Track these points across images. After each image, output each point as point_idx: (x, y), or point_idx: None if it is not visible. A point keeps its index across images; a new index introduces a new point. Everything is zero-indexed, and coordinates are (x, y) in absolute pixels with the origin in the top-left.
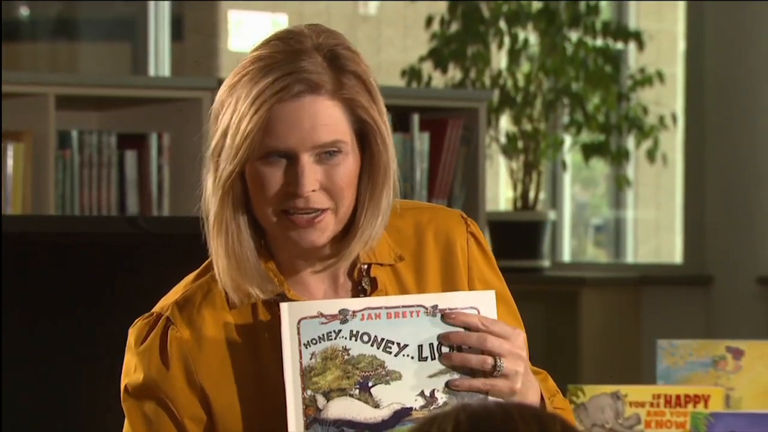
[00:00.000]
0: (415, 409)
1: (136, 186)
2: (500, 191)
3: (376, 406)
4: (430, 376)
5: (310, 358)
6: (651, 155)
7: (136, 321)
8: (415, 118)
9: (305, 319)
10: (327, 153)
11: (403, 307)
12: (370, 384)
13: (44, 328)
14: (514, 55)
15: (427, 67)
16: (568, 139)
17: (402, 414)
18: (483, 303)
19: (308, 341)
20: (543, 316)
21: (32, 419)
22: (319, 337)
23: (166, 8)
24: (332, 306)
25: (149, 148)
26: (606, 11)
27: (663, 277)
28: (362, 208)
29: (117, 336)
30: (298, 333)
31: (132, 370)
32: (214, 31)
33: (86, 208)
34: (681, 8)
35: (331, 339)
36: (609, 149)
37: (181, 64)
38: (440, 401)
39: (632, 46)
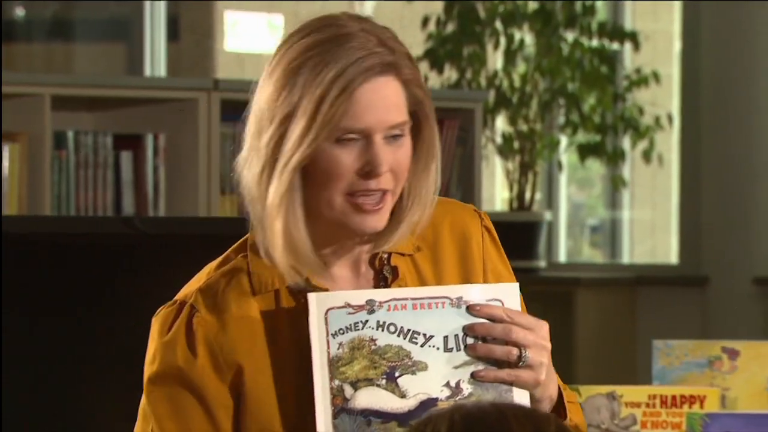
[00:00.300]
0: (441, 399)
1: (132, 187)
2: (496, 192)
3: (403, 396)
4: (456, 367)
5: (338, 348)
6: (647, 156)
7: (159, 310)
8: None
9: (333, 309)
10: (393, 135)
11: (429, 298)
12: (396, 374)
13: (41, 329)
14: (510, 56)
15: (423, 68)
16: (564, 140)
17: (428, 404)
18: (507, 295)
19: (336, 331)
20: (539, 317)
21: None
22: (347, 327)
23: (161, 8)
24: (359, 296)
25: (145, 148)
26: (602, 12)
27: (659, 277)
28: (407, 192)
29: (113, 336)
30: (326, 323)
31: (157, 360)
32: (210, 32)
33: (82, 209)
34: (677, 8)
35: (358, 329)
36: (605, 150)
37: (176, 64)
38: (465, 392)
39: (628, 46)
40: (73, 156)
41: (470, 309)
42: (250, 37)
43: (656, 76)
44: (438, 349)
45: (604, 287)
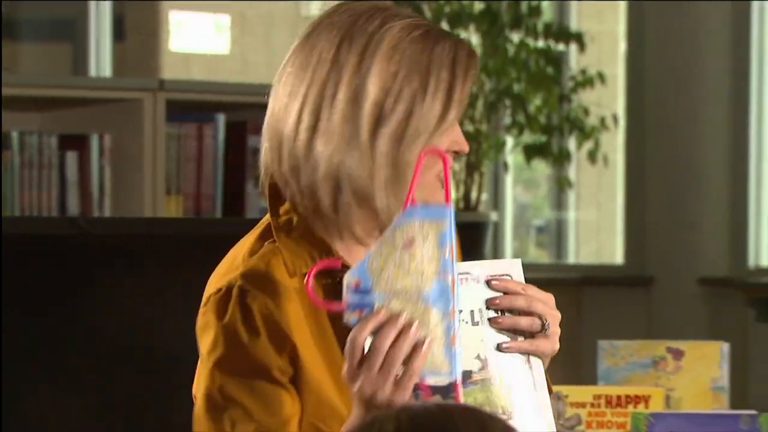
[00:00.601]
0: (474, 371)
1: (77, 187)
2: None
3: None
4: (483, 340)
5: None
6: (592, 156)
7: (205, 301)
8: None
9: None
10: None
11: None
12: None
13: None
14: None
15: None
16: (509, 141)
17: (464, 377)
18: (514, 269)
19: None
20: None
21: None
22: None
23: (106, 8)
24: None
25: (90, 149)
26: (547, 12)
27: (604, 277)
28: None
29: (51, 336)
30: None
31: (220, 344)
32: (155, 32)
33: (27, 209)
34: (622, 9)
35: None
36: (550, 150)
37: (122, 64)
38: (491, 363)
39: (574, 47)
40: (18, 156)
41: (490, 284)
42: (195, 37)
43: (601, 77)
44: (467, 323)
45: (549, 287)
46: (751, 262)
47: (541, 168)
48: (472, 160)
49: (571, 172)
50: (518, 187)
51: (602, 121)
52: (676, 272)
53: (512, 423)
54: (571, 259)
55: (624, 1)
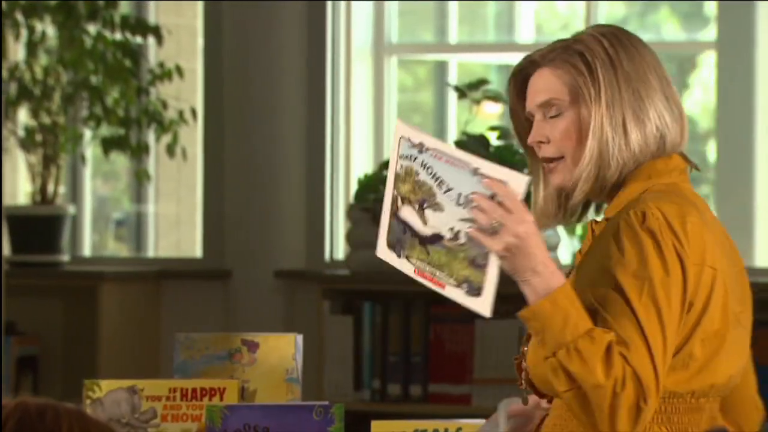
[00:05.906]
0: (445, 238)
1: None
2: (19, 185)
3: (425, 223)
4: (460, 219)
5: (399, 168)
6: (170, 150)
7: (663, 209)
8: None
9: (402, 138)
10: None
11: (458, 159)
12: (425, 206)
13: None
14: (32, 48)
15: None
16: (87, 133)
17: (437, 238)
18: (513, 181)
19: (401, 155)
20: (61, 311)
21: None
22: (406, 156)
23: None
24: (417, 136)
25: None
26: (125, 5)
27: (183, 271)
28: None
29: None
30: (398, 146)
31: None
32: None
33: None
34: (200, 4)
35: (412, 160)
36: (129, 143)
37: None
38: (461, 241)
39: (152, 40)
40: None
41: (483, 180)
42: None
43: (179, 71)
44: (452, 200)
45: (128, 281)
46: (327, 255)
47: (121, 161)
48: (48, 152)
49: (151, 165)
50: (97, 180)
51: (181, 114)
52: (254, 265)
53: (457, 291)
54: (151, 252)
55: None
